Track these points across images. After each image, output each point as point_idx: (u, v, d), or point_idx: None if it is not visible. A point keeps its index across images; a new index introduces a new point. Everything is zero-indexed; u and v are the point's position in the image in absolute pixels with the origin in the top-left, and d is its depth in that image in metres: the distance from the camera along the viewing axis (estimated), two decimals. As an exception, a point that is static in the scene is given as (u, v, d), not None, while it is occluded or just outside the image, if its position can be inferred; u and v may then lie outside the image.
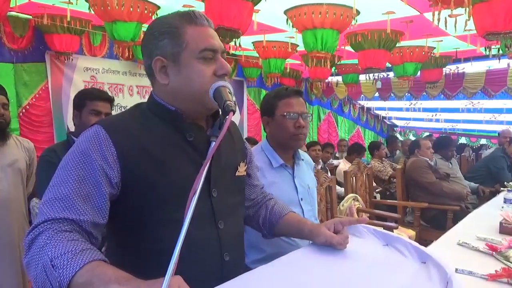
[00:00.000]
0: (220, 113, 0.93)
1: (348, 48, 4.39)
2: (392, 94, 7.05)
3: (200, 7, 2.90)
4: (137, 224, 0.93)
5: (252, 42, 4.69)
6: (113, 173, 0.89)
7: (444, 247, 1.44)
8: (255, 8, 2.84)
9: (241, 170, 1.13)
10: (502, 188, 2.93)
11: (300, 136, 1.61)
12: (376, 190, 4.45)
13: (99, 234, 0.88)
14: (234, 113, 0.85)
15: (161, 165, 0.92)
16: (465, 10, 2.31)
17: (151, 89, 1.04)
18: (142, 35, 2.17)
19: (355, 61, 4.78)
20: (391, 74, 6.18)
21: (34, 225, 0.81)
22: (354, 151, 5.16)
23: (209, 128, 1.04)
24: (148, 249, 0.93)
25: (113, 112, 1.91)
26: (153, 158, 0.92)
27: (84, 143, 0.89)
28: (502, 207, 2.11)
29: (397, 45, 4.12)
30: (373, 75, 4.60)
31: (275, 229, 1.24)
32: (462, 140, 9.06)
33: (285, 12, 3.39)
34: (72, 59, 4.30)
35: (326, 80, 6.62)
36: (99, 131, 0.91)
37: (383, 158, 5.37)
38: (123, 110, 1.37)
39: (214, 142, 0.82)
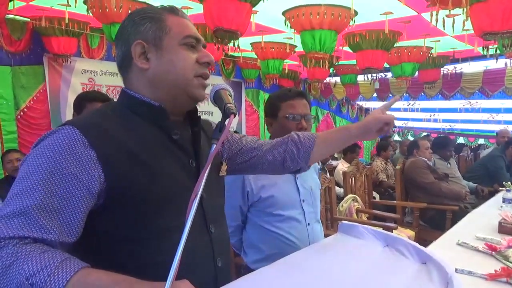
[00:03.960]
0: (221, 116, 0.89)
1: (346, 48, 4.39)
2: (390, 95, 7.06)
3: (198, 9, 2.91)
4: (127, 239, 0.82)
5: (251, 43, 4.69)
6: (92, 180, 0.77)
7: (443, 247, 1.45)
8: (253, 9, 2.83)
9: (223, 169, 1.09)
10: (500, 188, 2.94)
11: None
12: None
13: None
14: (235, 116, 0.83)
15: (150, 169, 0.84)
16: (463, 10, 2.32)
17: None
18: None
19: (353, 61, 4.79)
20: (389, 75, 6.17)
21: None
22: (347, 150, 5.19)
23: (187, 125, 0.98)
24: (142, 265, 0.81)
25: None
26: (140, 161, 0.83)
27: (53, 147, 0.77)
28: (501, 206, 2.12)
29: (395, 45, 4.12)
30: (371, 76, 4.61)
31: (312, 154, 1.16)
32: (460, 140, 9.09)
33: (283, 13, 3.39)
34: (70, 62, 4.29)
35: (324, 81, 6.62)
36: (71, 131, 0.79)
37: (388, 160, 5.44)
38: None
39: (215, 145, 0.79)
